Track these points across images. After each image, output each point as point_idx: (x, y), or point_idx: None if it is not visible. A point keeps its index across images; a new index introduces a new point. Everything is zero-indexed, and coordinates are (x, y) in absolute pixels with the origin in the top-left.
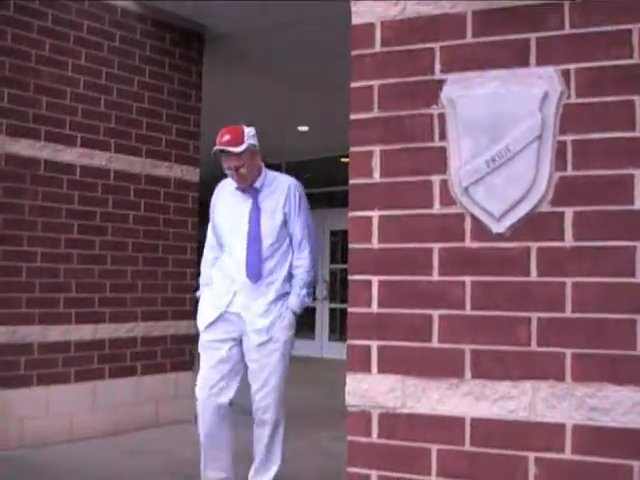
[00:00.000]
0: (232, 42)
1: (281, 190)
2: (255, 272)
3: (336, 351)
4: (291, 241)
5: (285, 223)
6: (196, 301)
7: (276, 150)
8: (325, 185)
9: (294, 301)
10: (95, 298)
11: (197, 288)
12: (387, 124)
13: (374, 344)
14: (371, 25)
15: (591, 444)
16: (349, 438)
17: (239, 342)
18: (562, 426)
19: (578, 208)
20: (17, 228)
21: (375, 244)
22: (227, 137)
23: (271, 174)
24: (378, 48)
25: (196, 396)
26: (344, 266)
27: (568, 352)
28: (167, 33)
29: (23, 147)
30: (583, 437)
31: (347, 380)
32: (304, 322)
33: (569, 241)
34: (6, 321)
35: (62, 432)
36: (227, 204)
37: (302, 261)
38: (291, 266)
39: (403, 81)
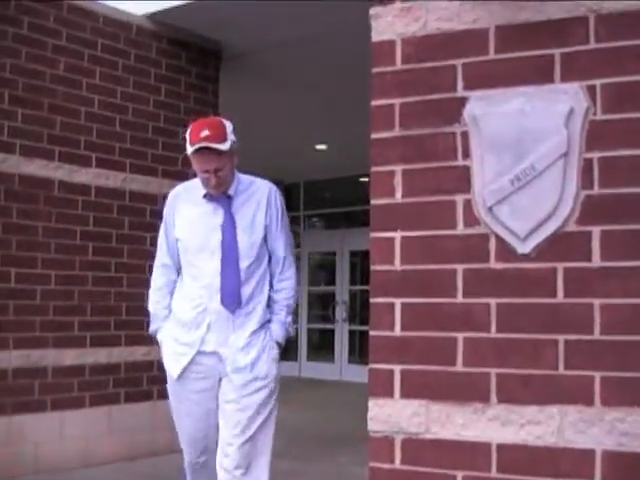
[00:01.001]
0: (249, 59)
1: (259, 197)
2: (233, 300)
3: (356, 374)
4: (269, 259)
5: (265, 238)
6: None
7: (294, 169)
8: (344, 205)
9: (279, 331)
10: (111, 321)
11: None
12: (409, 143)
13: (397, 368)
14: (391, 42)
15: (622, 471)
16: (371, 464)
17: (217, 387)
18: (591, 452)
19: (605, 227)
20: (31, 250)
21: (398, 266)
22: (207, 132)
23: (245, 178)
24: (399, 65)
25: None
26: (364, 287)
27: (597, 375)
28: (183, 51)
29: (37, 167)
30: (613, 463)
31: (369, 405)
32: (323, 345)
33: (596, 261)
34: (20, 345)
35: (77, 457)
36: (191, 216)
37: (286, 283)
38: (271, 288)
39: (425, 99)
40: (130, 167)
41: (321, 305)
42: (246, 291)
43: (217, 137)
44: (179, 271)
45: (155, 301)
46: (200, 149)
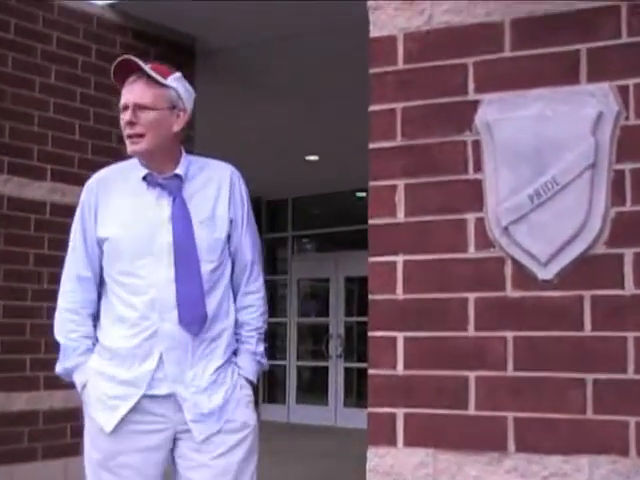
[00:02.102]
0: (227, 57)
1: (218, 182)
2: (195, 317)
3: (353, 419)
4: (233, 266)
5: (228, 237)
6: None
7: (280, 183)
8: (338, 224)
9: (249, 365)
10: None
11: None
12: (412, 153)
13: (400, 412)
14: (392, 38)
15: None
16: None
17: (169, 446)
18: None
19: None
20: None
21: (400, 294)
22: (136, 60)
23: (197, 159)
24: (401, 65)
25: None
26: (361, 318)
27: (632, 421)
28: (151, 47)
29: None
30: None
31: (368, 455)
32: (315, 385)
33: (629, 288)
34: None
35: None
36: (124, 208)
37: (254, 297)
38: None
39: (430, 103)
40: None
41: (313, 339)
42: (210, 305)
43: (156, 69)
44: (101, 287)
45: (69, 329)
46: (120, 65)
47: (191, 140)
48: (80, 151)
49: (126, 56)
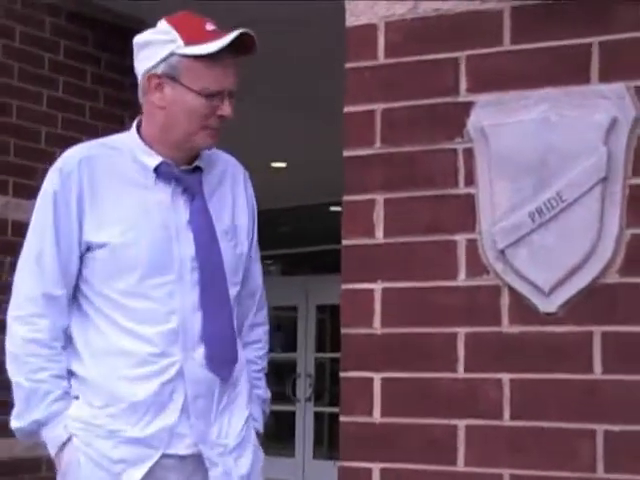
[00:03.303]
0: None
1: (232, 182)
2: (226, 356)
3: (323, 473)
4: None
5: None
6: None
7: None
8: (309, 243)
9: (260, 416)
10: None
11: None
12: (394, 163)
13: (376, 467)
14: (372, 27)
15: None
16: None
17: None
18: None
19: None
20: None
21: (378, 328)
22: (212, 26)
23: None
24: (382, 59)
25: None
26: (335, 355)
27: None
28: (89, 31)
29: None
30: None
31: None
32: (280, 433)
33: None
34: None
35: None
36: (128, 200)
37: (262, 330)
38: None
39: (415, 104)
40: (14, 188)
41: (277, 379)
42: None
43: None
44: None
45: (34, 367)
46: (229, 47)
47: None
48: (1, 153)
49: (242, 30)
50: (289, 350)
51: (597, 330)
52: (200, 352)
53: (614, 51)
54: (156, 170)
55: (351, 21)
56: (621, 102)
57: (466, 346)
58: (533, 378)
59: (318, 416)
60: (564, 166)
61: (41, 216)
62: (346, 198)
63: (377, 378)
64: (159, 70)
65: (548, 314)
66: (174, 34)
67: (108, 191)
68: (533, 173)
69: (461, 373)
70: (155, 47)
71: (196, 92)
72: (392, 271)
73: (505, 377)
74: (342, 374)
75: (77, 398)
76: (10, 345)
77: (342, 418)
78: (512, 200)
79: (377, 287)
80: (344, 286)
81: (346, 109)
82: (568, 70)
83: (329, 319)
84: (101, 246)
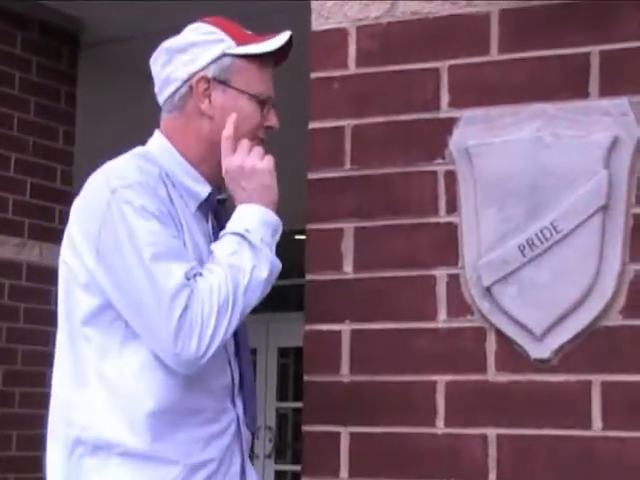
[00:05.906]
0: (123, 49)
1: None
2: (255, 412)
3: None
4: None
5: None
6: None
7: None
8: None
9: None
10: None
11: None
12: (366, 187)
13: None
14: (342, 31)
15: None
16: None
17: None
18: None
19: None
20: None
21: (346, 376)
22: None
23: None
24: (352, 68)
25: None
26: (299, 404)
27: None
28: (19, 32)
29: None
30: None
31: None
32: None
33: None
34: None
35: None
36: (195, 232)
37: None
38: None
39: (391, 120)
40: None
41: None
42: None
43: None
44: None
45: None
46: (277, 52)
47: (69, 158)
48: None
49: (288, 36)
50: None
51: (596, 379)
52: (240, 406)
53: (616, 61)
54: (203, 203)
55: (318, 24)
56: (624, 119)
57: (447, 397)
58: (523, 434)
59: (279, 476)
60: (559, 192)
61: (141, 227)
62: (310, 226)
63: (345, 433)
64: (209, 73)
65: (540, 361)
66: (221, 34)
67: (181, 220)
68: (524, 200)
69: (441, 428)
70: (202, 47)
71: (251, 97)
72: (362, 310)
73: (491, 433)
74: (305, 428)
75: None
76: (218, 294)
77: (304, 479)
78: (500, 231)
79: (345, 328)
80: (308, 327)
81: (311, 125)
82: (564, 83)
83: (292, 364)
84: None
